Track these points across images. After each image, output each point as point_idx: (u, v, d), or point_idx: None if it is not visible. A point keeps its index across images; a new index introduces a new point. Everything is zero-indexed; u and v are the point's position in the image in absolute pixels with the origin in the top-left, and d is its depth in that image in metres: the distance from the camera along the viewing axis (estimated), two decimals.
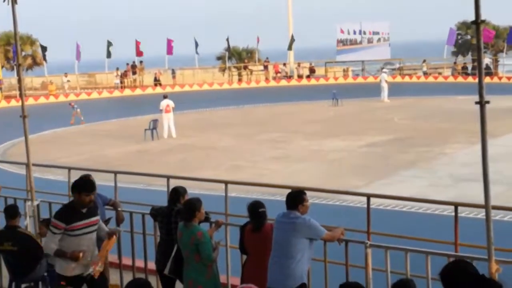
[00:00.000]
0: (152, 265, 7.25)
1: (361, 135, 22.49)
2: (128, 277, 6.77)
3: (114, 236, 6.29)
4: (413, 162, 17.44)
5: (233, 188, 9.96)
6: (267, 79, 48.94)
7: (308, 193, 6.10)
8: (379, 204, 11.86)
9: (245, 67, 51.45)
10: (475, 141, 17.22)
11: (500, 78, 42.87)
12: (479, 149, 4.99)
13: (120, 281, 7.58)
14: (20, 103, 7.66)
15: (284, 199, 6.00)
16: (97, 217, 6.21)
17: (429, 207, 12.14)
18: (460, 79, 43.94)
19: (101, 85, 49.61)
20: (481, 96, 4.75)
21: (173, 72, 49.81)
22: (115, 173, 9.61)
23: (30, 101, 36.50)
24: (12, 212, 7.22)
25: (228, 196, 8.36)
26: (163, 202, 7.31)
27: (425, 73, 46.85)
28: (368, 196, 7.42)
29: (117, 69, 46.97)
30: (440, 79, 45.25)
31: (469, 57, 51.08)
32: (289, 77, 49.00)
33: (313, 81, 47.94)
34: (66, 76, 46.39)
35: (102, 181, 8.93)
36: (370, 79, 46.32)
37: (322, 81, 47.60)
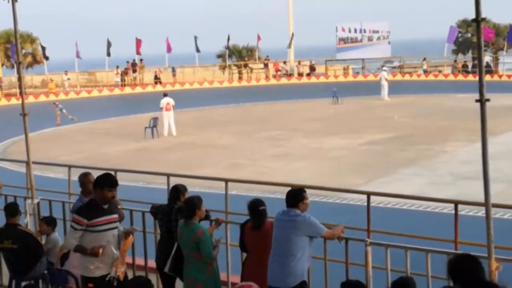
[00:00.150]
0: (152, 263, 7.26)
1: (361, 133, 22.50)
2: (128, 275, 6.77)
3: (131, 236, 6.20)
4: (413, 160, 17.44)
5: (233, 186, 9.95)
6: (267, 77, 48.88)
7: (308, 191, 6.10)
8: (379, 202, 11.86)
9: (246, 65, 51.42)
10: (475, 139, 17.22)
11: (500, 76, 42.89)
12: (479, 147, 5.00)
13: None
14: (20, 101, 7.67)
15: (284, 197, 5.99)
16: (117, 215, 6.16)
17: (429, 205, 12.14)
18: (460, 77, 43.93)
19: (101, 83, 49.66)
20: (481, 94, 4.76)
21: (174, 70, 49.78)
22: (115, 171, 9.57)
23: (30, 99, 36.45)
24: (12, 210, 7.24)
25: (228, 194, 8.37)
26: (163, 200, 7.31)
27: (425, 71, 46.82)
28: (368, 194, 7.43)
29: (117, 67, 46.93)
30: (441, 77, 45.23)
31: (469, 55, 51.00)
32: (289, 75, 48.96)
33: (313, 79, 47.90)
34: (66, 74, 46.34)
35: None
36: (370, 77, 46.26)
37: (322, 79, 47.53)
